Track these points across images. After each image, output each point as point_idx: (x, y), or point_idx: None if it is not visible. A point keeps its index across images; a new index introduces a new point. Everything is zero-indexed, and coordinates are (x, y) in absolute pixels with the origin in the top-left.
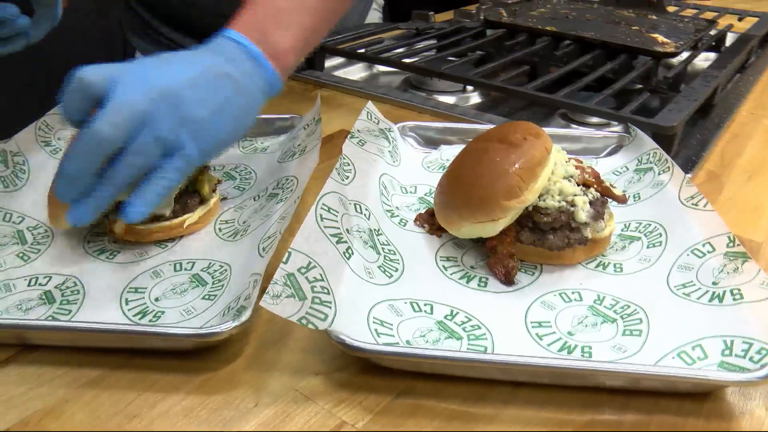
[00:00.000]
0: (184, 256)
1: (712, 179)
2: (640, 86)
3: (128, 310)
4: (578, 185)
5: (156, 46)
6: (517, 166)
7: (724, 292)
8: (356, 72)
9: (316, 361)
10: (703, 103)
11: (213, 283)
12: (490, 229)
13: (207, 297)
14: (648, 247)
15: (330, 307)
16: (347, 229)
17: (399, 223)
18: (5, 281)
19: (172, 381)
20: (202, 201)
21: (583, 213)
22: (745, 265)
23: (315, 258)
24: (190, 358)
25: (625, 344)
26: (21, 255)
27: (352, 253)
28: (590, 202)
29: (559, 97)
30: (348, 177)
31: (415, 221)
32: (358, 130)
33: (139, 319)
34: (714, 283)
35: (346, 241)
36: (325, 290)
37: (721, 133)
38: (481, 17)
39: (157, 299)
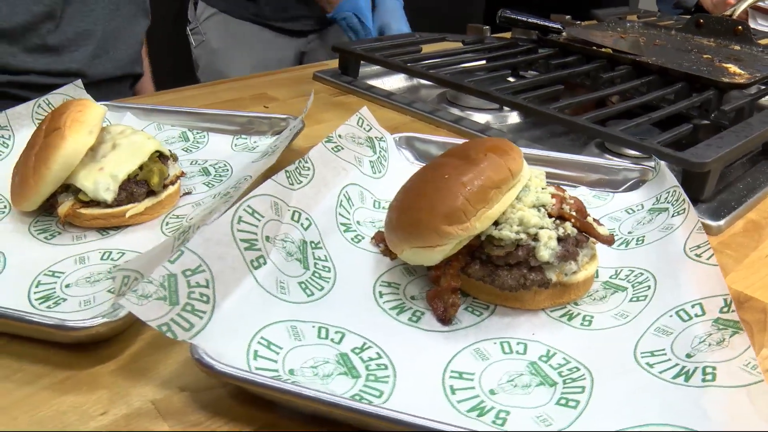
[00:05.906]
0: (118, 246)
1: (751, 231)
2: (704, 121)
3: (34, 293)
4: (550, 217)
5: None
6: (467, 187)
7: (695, 369)
8: (395, 82)
9: (191, 375)
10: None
11: None
12: (429, 257)
13: (112, 290)
14: (631, 300)
15: (201, 318)
16: (267, 237)
17: (352, 240)
18: None
19: (35, 372)
20: (152, 192)
21: (546, 250)
22: (734, 338)
23: (208, 261)
24: (66, 350)
25: (552, 416)
26: None
27: (264, 263)
28: (559, 239)
29: (580, 120)
30: (301, 182)
31: (371, 239)
32: (339, 136)
33: (40, 303)
34: (688, 356)
35: (259, 249)
36: (205, 298)
37: None
38: (535, 36)
39: (67, 286)
